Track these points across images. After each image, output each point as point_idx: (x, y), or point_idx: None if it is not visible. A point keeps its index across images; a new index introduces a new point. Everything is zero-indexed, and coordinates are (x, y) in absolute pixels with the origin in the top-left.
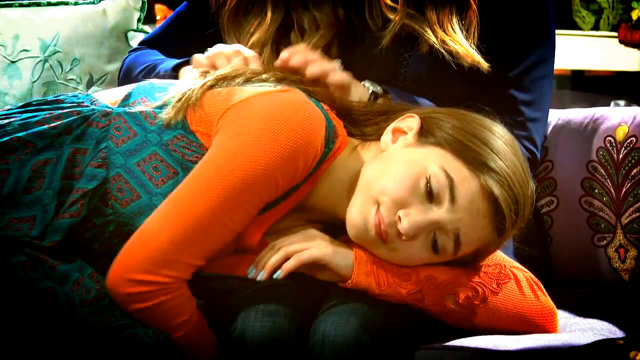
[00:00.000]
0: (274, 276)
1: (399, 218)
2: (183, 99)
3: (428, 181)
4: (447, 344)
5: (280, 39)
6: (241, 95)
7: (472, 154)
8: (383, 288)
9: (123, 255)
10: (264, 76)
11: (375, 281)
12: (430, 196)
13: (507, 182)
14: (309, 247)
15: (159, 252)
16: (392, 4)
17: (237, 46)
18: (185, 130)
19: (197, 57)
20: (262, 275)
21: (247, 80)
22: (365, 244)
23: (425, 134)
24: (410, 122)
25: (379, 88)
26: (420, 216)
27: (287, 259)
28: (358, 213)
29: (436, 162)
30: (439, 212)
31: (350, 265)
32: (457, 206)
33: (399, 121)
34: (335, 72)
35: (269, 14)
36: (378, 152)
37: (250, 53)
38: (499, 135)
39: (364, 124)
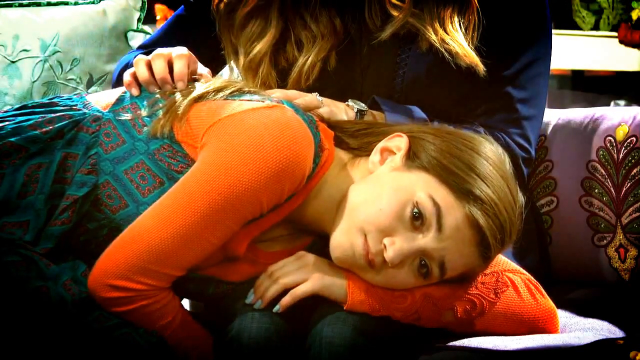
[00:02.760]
0: (274, 310)
1: (385, 246)
2: (170, 111)
3: (414, 208)
4: (447, 344)
5: (277, 50)
6: (228, 109)
7: (458, 181)
8: (377, 314)
9: (103, 260)
10: (252, 89)
11: (369, 308)
12: (416, 223)
13: (493, 210)
14: (304, 279)
15: (138, 261)
16: (396, 1)
17: (179, 49)
18: (171, 140)
19: (137, 58)
20: (259, 304)
21: (235, 93)
22: (350, 267)
23: (412, 157)
24: (398, 142)
25: (364, 105)
26: (406, 244)
27: (284, 289)
28: (344, 240)
29: (423, 189)
30: (425, 240)
31: (345, 294)
32: (443, 234)
33: (387, 140)
34: (301, 96)
35: (274, 24)
36: (366, 172)
37: (189, 53)
38: (486, 157)
39: (353, 139)
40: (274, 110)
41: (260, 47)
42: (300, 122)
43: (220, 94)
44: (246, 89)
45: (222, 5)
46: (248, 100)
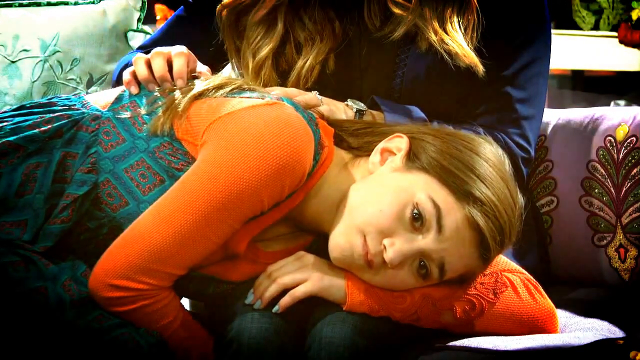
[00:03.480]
0: (273, 310)
1: (384, 247)
2: (170, 109)
3: (414, 209)
4: (447, 344)
5: (278, 53)
6: (228, 107)
7: (458, 182)
8: (377, 314)
9: (104, 260)
10: (251, 86)
11: (368, 308)
12: (416, 224)
13: (493, 211)
14: (303, 280)
15: (139, 260)
16: (402, 1)
17: (178, 47)
18: (171, 138)
19: (137, 57)
20: (259, 304)
21: (234, 90)
22: (349, 268)
23: (412, 158)
24: (398, 143)
25: (363, 105)
26: (406, 245)
27: (284, 289)
28: (343, 240)
29: (423, 190)
30: (425, 241)
31: (344, 295)
32: (443, 235)
33: (387, 141)
34: (301, 94)
35: (279, 28)
36: (367, 172)
37: (189, 53)
38: (486, 158)
39: (354, 138)
40: (274, 107)
41: (265, 49)
42: (300, 119)
43: (220, 92)
44: (246, 87)
45: (224, 12)
46: (248, 97)
